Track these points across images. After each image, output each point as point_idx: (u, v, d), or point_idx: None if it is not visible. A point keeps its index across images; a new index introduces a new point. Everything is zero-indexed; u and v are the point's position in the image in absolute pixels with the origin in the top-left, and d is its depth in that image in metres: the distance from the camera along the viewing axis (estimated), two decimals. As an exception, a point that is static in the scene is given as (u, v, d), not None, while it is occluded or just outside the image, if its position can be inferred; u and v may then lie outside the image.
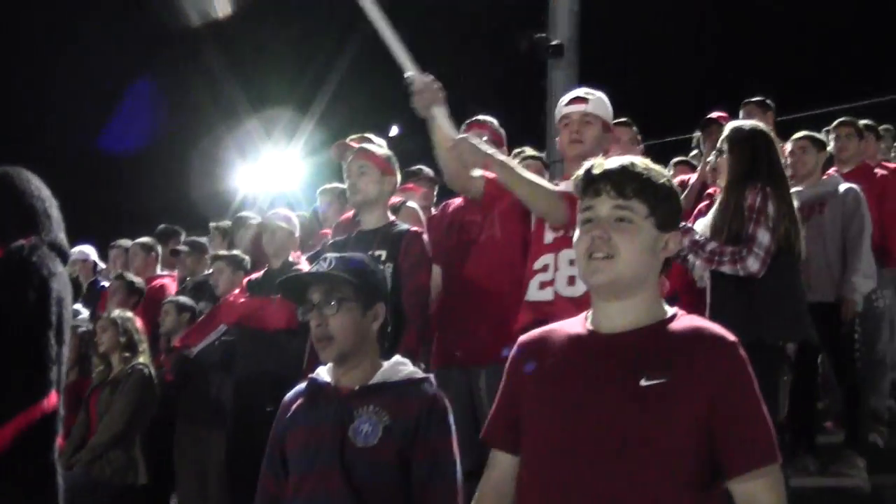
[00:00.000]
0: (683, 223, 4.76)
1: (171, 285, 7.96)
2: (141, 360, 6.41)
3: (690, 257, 4.64)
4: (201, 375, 6.40)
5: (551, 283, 4.20)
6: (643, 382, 2.17)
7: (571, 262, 4.02)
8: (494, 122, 5.45)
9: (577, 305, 3.81)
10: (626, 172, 2.29)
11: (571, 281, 4.08)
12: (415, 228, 4.88)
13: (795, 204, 5.52)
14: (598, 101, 4.39)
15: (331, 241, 5.26)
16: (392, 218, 4.97)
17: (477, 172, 4.29)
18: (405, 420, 2.87)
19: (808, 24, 18.28)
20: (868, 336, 6.24)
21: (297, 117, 17.69)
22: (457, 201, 5.36)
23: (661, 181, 2.32)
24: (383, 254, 4.68)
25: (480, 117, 5.44)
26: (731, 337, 2.26)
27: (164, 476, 6.46)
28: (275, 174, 17.82)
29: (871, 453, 6.03)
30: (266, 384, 5.30)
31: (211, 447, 6.20)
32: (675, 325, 2.28)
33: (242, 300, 5.89)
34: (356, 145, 5.67)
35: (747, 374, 2.22)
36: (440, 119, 4.21)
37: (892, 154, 10.34)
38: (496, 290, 4.69)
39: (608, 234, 2.25)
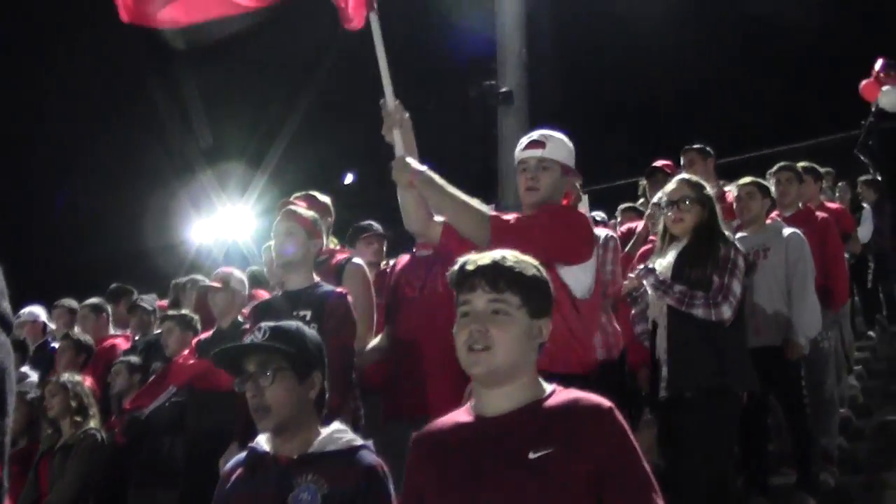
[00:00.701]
0: (642, 265, 4.84)
1: (124, 345, 7.89)
2: (92, 424, 6.35)
3: (650, 293, 4.73)
4: (153, 437, 6.33)
5: None
6: (531, 455, 2.32)
7: None
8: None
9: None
10: (498, 267, 2.45)
11: None
12: (339, 289, 4.93)
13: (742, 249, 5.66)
14: (555, 144, 4.20)
15: (256, 304, 5.30)
16: (317, 279, 5.00)
17: (438, 218, 4.23)
18: (344, 489, 2.85)
19: (751, 70, 18.64)
20: (815, 377, 6.34)
21: (250, 171, 17.70)
22: (404, 259, 5.41)
23: (531, 273, 2.49)
24: (308, 314, 4.70)
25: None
26: (606, 403, 2.40)
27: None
28: (229, 227, 17.81)
29: (822, 493, 6.11)
30: (218, 443, 5.25)
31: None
32: (554, 400, 2.45)
33: (192, 362, 5.87)
34: (301, 203, 5.75)
35: (626, 436, 2.38)
36: (397, 143, 4.16)
37: (837, 195, 10.60)
38: (438, 345, 4.62)
39: (485, 326, 2.41)
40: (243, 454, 3.09)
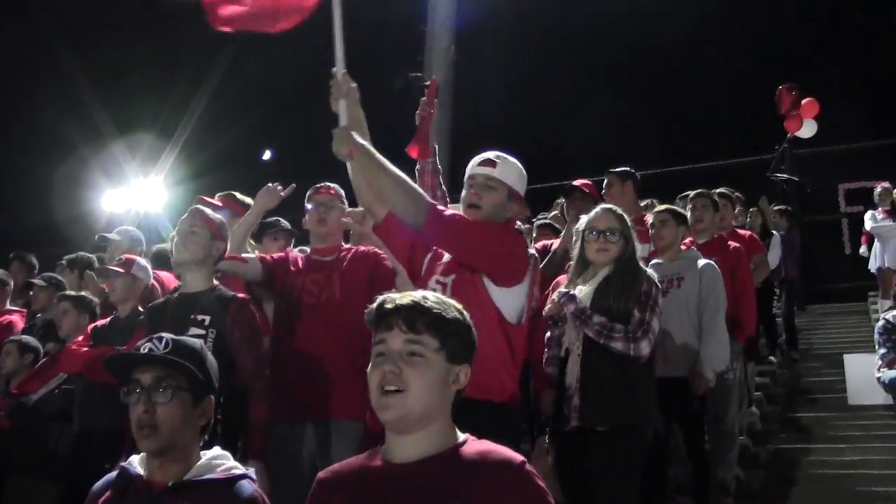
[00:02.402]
0: (564, 289, 4.76)
1: (19, 322, 7.59)
2: (-31, 404, 6.02)
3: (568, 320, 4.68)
4: (38, 424, 6.06)
5: None
6: None
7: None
8: (340, 190, 5.35)
9: None
10: (417, 308, 2.33)
11: None
12: (241, 295, 4.83)
13: (654, 277, 5.63)
14: (507, 166, 4.15)
15: (151, 305, 5.14)
16: (216, 282, 4.87)
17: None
18: None
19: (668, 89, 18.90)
20: (718, 409, 6.38)
21: (162, 142, 17.32)
22: (295, 259, 5.29)
23: (452, 315, 2.37)
24: (206, 318, 4.59)
25: (329, 183, 5.36)
26: (518, 458, 2.32)
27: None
28: (140, 198, 17.47)
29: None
30: (105, 440, 5.08)
31: (43, 499, 5.88)
32: (466, 450, 2.34)
33: (85, 349, 5.62)
34: (216, 203, 5.60)
35: (538, 489, 2.29)
36: (341, 114, 4.14)
37: (748, 220, 10.73)
38: (328, 350, 4.77)
39: (399, 368, 2.30)
40: (114, 474, 2.85)
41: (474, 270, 3.97)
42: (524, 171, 4.23)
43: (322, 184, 5.30)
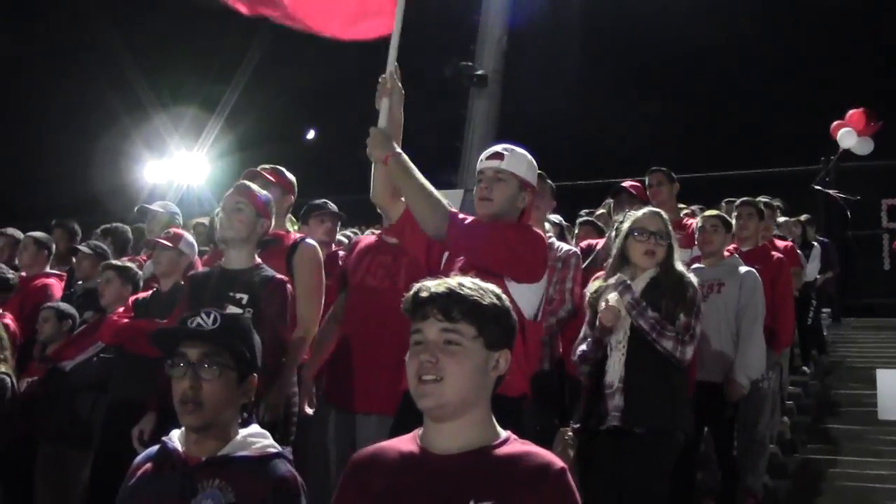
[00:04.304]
0: (622, 279, 4.72)
1: (57, 286, 7.60)
2: (2, 368, 6.05)
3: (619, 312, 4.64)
4: (73, 393, 6.06)
5: None
6: None
7: None
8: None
9: None
10: (453, 296, 2.32)
11: None
12: (280, 276, 4.78)
13: (696, 280, 5.61)
14: (515, 157, 4.11)
15: (191, 274, 5.14)
16: (258, 261, 4.85)
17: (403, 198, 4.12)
18: (250, 499, 2.66)
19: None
20: (751, 416, 6.36)
21: (204, 115, 17.38)
22: (368, 240, 5.27)
23: (489, 301, 2.35)
24: (245, 297, 4.58)
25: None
26: (559, 464, 2.30)
27: (20, 496, 6.07)
28: (183, 171, 17.55)
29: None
30: (141, 412, 5.06)
31: (75, 469, 5.91)
32: (506, 450, 2.33)
33: (126, 320, 5.66)
34: (268, 176, 5.57)
35: (573, 501, 2.28)
36: (382, 114, 4.09)
37: (792, 230, 10.65)
38: (389, 340, 4.53)
39: (436, 357, 2.29)
40: (155, 448, 2.87)
41: (501, 275, 3.94)
42: (534, 162, 4.19)
43: None
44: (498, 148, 4.18)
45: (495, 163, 4.10)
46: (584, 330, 4.93)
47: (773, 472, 7.48)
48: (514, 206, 4.10)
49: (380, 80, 4.13)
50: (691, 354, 4.62)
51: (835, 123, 13.79)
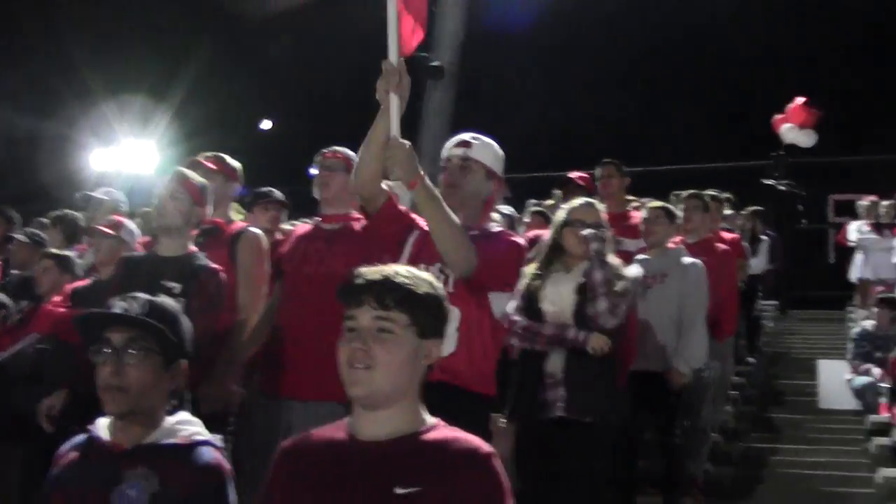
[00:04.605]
0: (593, 233, 4.74)
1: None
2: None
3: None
4: (6, 385, 5.84)
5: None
6: (398, 490, 2.21)
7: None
8: (351, 153, 5.18)
9: (438, 366, 3.74)
10: (387, 284, 2.30)
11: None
12: (213, 265, 4.71)
13: (640, 272, 5.67)
14: (482, 146, 4.07)
15: (125, 255, 5.09)
16: (193, 249, 4.79)
17: (385, 185, 3.92)
18: (176, 488, 2.59)
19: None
20: (693, 406, 6.40)
21: (154, 104, 17.17)
22: (304, 228, 5.23)
23: (424, 291, 2.34)
24: (177, 287, 4.50)
25: (337, 147, 5.16)
26: (486, 448, 2.30)
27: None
28: (131, 159, 17.33)
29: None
30: (76, 405, 4.97)
31: (6, 463, 5.80)
32: (433, 435, 2.33)
33: (62, 310, 5.56)
34: (209, 165, 5.50)
35: (500, 484, 2.28)
36: (392, 108, 3.67)
37: (739, 223, 10.78)
38: (325, 327, 4.51)
39: (368, 345, 2.28)
40: (82, 436, 2.79)
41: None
42: (500, 152, 4.15)
43: (330, 148, 5.14)
44: (465, 136, 4.13)
45: (463, 150, 4.05)
46: (515, 304, 4.85)
47: (716, 460, 7.63)
48: (479, 195, 4.05)
49: (384, 70, 3.60)
50: (612, 326, 4.68)
51: (776, 118, 13.96)
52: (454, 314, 3.59)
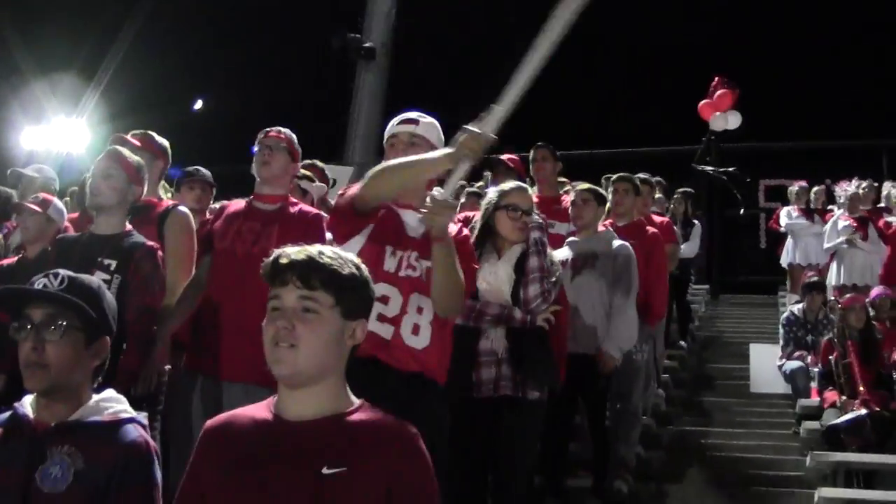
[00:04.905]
0: (538, 221, 4.84)
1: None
2: None
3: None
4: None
5: (394, 321, 3.77)
6: (325, 471, 2.24)
7: (419, 310, 3.80)
8: (292, 135, 5.11)
9: (414, 356, 3.76)
10: (312, 264, 2.33)
11: (416, 330, 3.80)
12: (150, 243, 4.68)
13: (570, 254, 5.69)
14: (428, 124, 4.12)
15: (59, 237, 5.04)
16: (129, 227, 4.75)
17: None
18: (100, 466, 2.58)
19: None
20: (623, 388, 6.46)
21: (84, 82, 16.88)
22: (237, 205, 5.15)
23: (349, 271, 2.37)
24: (113, 264, 4.50)
25: (279, 128, 5.11)
26: (410, 429, 2.35)
27: None
28: (62, 137, 17.07)
29: (616, 501, 6.31)
30: (17, 387, 4.88)
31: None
32: (359, 416, 2.36)
33: (-14, 288, 5.45)
34: (135, 142, 5.41)
35: (425, 465, 2.33)
36: (457, 176, 3.53)
37: (670, 206, 10.90)
38: (256, 306, 4.45)
39: (292, 324, 2.30)
40: (6, 414, 2.76)
41: None
42: (440, 129, 4.18)
43: (272, 127, 5.07)
44: (411, 114, 4.16)
45: (410, 127, 4.07)
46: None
47: (648, 444, 7.67)
48: None
49: (482, 139, 3.36)
50: (541, 311, 4.77)
51: (702, 104, 14.12)
52: (428, 305, 3.78)
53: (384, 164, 3.75)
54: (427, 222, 3.55)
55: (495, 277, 4.83)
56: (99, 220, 4.76)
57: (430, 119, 4.17)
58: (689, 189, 11.77)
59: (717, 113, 13.67)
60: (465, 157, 3.39)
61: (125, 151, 4.86)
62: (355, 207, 3.80)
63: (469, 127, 3.37)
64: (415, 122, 4.12)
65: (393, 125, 4.17)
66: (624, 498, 6.46)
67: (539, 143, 7.10)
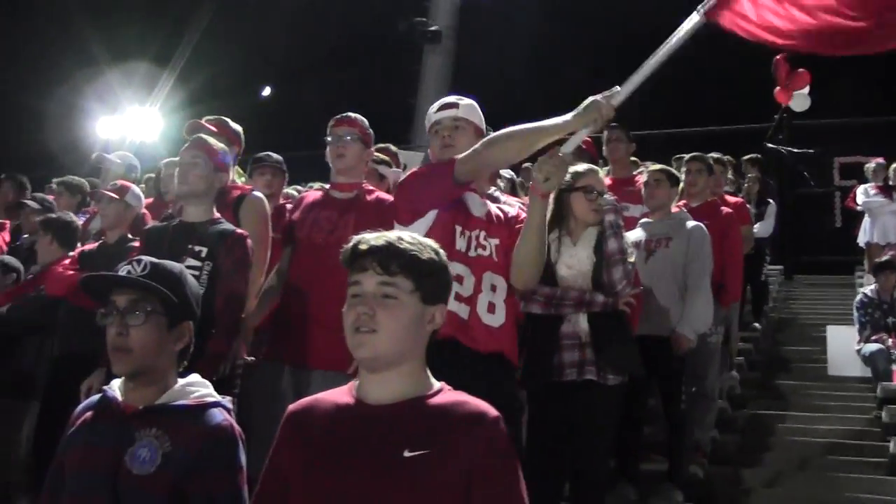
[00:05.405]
0: (611, 201, 4.84)
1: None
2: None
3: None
4: (11, 341, 5.96)
5: (469, 301, 3.83)
6: (406, 453, 2.25)
7: (493, 288, 3.87)
8: (364, 121, 5.18)
9: (492, 335, 3.82)
10: (391, 249, 2.35)
11: (491, 308, 3.86)
12: (240, 231, 4.71)
13: (643, 235, 5.64)
14: (468, 106, 4.19)
15: (148, 226, 5.10)
16: (217, 215, 4.79)
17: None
18: (186, 448, 2.64)
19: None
20: (698, 371, 6.39)
21: (157, 70, 17.15)
22: (314, 195, 5.20)
23: (427, 256, 2.39)
24: (203, 251, 4.53)
25: (351, 115, 5.17)
26: (493, 412, 2.33)
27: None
28: (136, 126, 17.39)
29: (691, 485, 6.24)
30: (86, 366, 5.00)
31: (18, 420, 5.86)
32: (439, 399, 2.37)
33: (71, 272, 5.59)
34: (211, 127, 5.47)
35: (507, 449, 2.32)
36: (578, 137, 3.68)
37: (745, 185, 10.72)
38: (335, 295, 4.47)
39: (373, 310, 2.32)
40: (96, 397, 2.86)
41: None
42: (480, 110, 4.26)
43: (343, 115, 5.11)
44: (450, 99, 4.24)
45: (452, 111, 4.16)
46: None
47: (722, 427, 7.58)
48: None
49: (609, 108, 3.61)
50: (626, 294, 4.76)
51: (778, 91, 13.81)
52: (501, 283, 3.86)
53: (505, 130, 3.76)
54: (545, 174, 3.58)
55: (577, 261, 4.80)
56: (187, 209, 4.79)
57: (468, 101, 4.24)
58: (757, 155, 11.55)
59: (797, 92, 13.34)
60: (592, 121, 3.56)
61: (210, 139, 4.89)
62: (455, 175, 3.83)
63: (597, 97, 3.56)
64: (454, 105, 4.19)
65: (433, 112, 4.23)
66: (699, 482, 6.42)
67: (613, 124, 7.02)
